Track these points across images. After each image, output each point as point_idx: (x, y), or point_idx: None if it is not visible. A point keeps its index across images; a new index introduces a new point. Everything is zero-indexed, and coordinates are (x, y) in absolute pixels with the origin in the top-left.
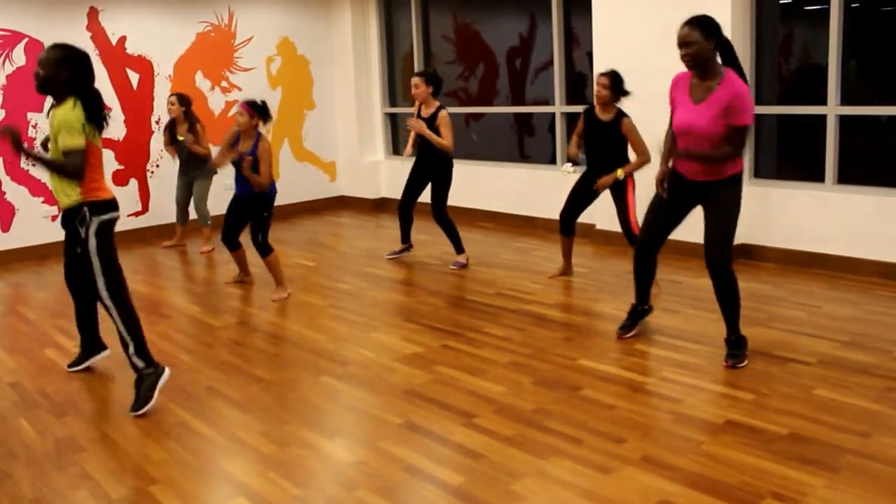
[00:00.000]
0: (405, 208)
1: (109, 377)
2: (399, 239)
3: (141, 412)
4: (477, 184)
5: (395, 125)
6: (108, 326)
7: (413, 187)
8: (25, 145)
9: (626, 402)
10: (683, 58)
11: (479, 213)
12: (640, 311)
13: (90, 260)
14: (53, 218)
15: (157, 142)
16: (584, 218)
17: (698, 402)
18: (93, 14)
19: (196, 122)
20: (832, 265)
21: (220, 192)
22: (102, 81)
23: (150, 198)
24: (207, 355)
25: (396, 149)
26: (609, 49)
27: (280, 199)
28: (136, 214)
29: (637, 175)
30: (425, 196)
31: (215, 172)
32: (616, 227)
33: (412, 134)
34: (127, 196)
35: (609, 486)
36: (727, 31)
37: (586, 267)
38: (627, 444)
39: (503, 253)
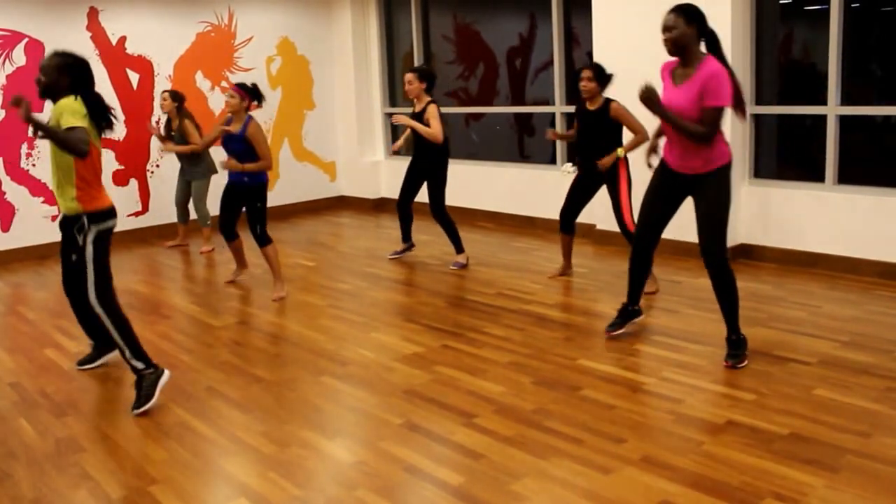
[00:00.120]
0: (403, 206)
1: (109, 377)
2: (400, 239)
3: (142, 410)
4: (477, 184)
5: (395, 125)
6: None
7: (410, 185)
8: (35, 115)
9: (626, 402)
10: (665, 42)
11: (479, 213)
12: (630, 311)
13: (84, 267)
14: (53, 218)
15: (157, 142)
16: (585, 218)
17: (698, 403)
18: (93, 14)
19: (185, 119)
20: (832, 265)
21: (220, 192)
22: (102, 81)
23: (150, 198)
24: (207, 355)
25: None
26: (609, 49)
27: (280, 199)
28: (136, 214)
29: (634, 175)
30: (424, 196)
31: (214, 172)
32: (616, 226)
33: (407, 131)
34: (127, 196)
35: (609, 487)
36: (727, 31)
37: (586, 267)
38: (627, 444)
39: (503, 253)
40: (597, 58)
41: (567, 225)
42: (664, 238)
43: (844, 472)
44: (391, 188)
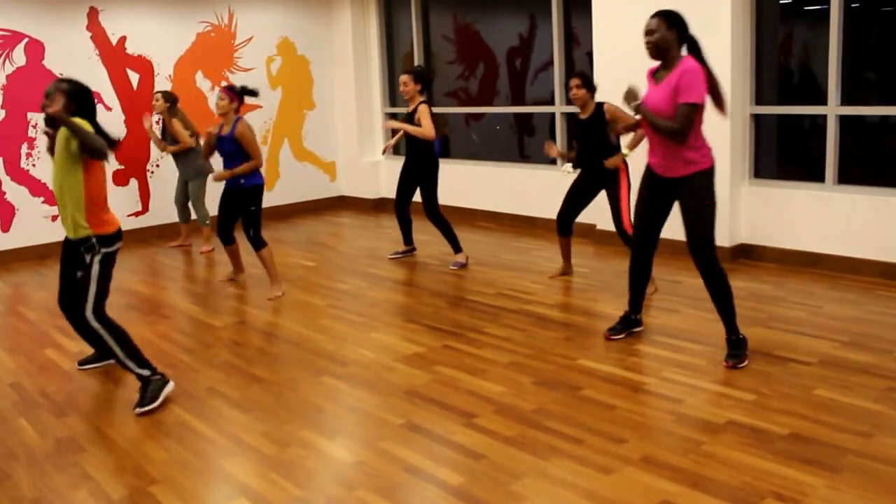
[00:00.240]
0: (400, 209)
1: (109, 377)
2: (401, 240)
3: (144, 410)
4: (477, 184)
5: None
6: None
7: (404, 188)
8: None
9: (626, 403)
10: (646, 45)
11: (479, 213)
12: (632, 320)
13: (87, 285)
14: (54, 218)
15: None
16: (585, 218)
17: (699, 403)
18: (93, 14)
19: (173, 118)
20: (832, 265)
21: (219, 191)
22: (102, 81)
23: (150, 198)
24: (207, 355)
25: (396, 149)
26: (609, 49)
27: (280, 199)
28: (136, 214)
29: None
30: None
31: (211, 170)
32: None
33: (399, 132)
34: (127, 196)
35: (610, 487)
36: (727, 31)
37: (587, 267)
38: (628, 445)
39: (503, 253)
40: (597, 58)
41: (564, 227)
42: (664, 238)
43: (845, 473)
44: (391, 188)
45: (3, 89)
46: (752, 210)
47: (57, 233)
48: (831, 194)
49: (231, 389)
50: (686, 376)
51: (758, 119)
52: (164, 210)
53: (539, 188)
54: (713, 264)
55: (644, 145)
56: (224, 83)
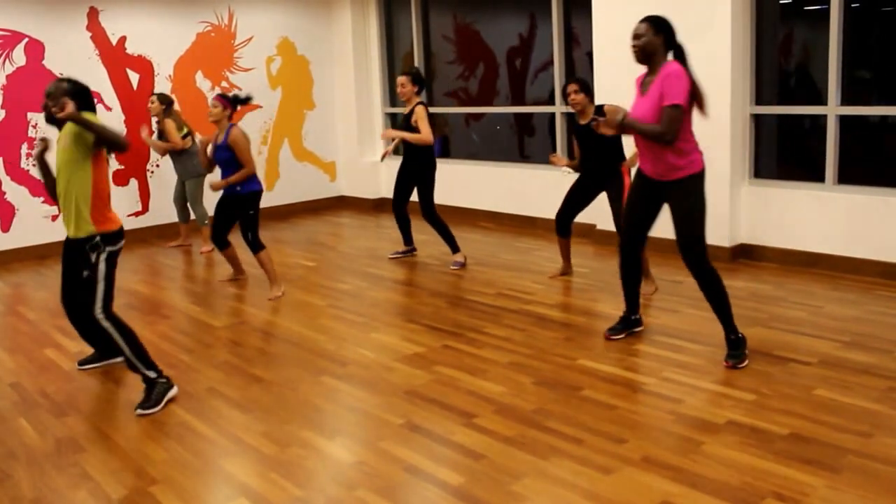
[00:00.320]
0: (398, 209)
1: (109, 377)
2: (401, 241)
3: (145, 413)
4: (477, 184)
5: (395, 125)
6: None
7: (401, 188)
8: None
9: (626, 403)
10: (633, 48)
11: (479, 213)
12: (631, 320)
13: (95, 285)
14: (54, 218)
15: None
16: (585, 218)
17: (699, 403)
18: (93, 14)
19: (167, 118)
20: (832, 265)
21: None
22: (102, 81)
23: (150, 198)
24: (207, 355)
25: (396, 149)
26: (609, 49)
27: (280, 199)
28: (136, 214)
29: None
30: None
31: (208, 171)
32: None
33: (396, 140)
34: (127, 196)
35: (610, 487)
36: (727, 31)
37: (587, 267)
38: (628, 445)
39: (503, 253)
40: (597, 58)
41: (563, 228)
42: (664, 238)
43: (845, 473)
44: (391, 188)
45: (3, 89)
46: (752, 210)
47: (57, 233)
48: (831, 194)
49: (231, 389)
50: (686, 376)
51: (758, 119)
52: (164, 210)
53: (539, 188)
54: (703, 264)
55: None
56: (218, 90)
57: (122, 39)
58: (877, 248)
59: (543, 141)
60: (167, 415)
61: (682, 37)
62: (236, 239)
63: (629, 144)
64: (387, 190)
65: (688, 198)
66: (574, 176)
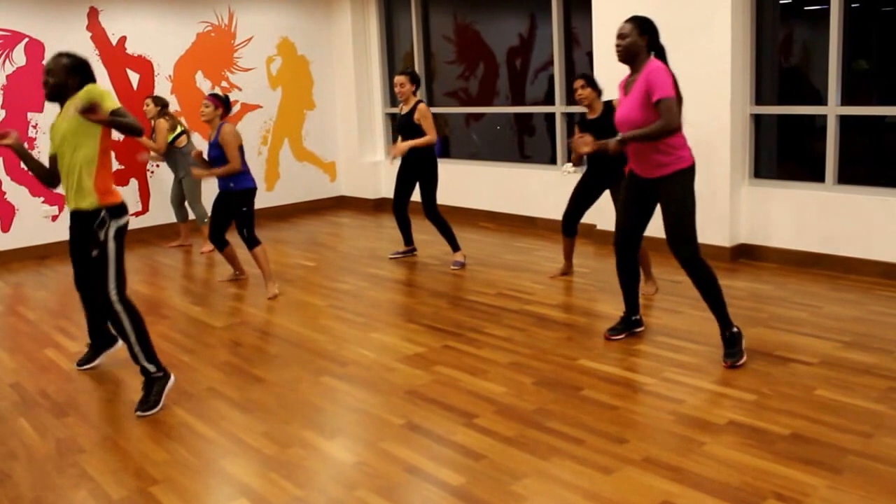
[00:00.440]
0: (398, 209)
1: (109, 377)
2: (402, 241)
3: (145, 414)
4: (477, 184)
5: (394, 124)
6: None
7: (402, 187)
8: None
9: (627, 403)
10: (617, 48)
11: (480, 213)
12: (632, 321)
13: (106, 264)
14: (54, 218)
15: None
16: (585, 218)
17: (699, 403)
18: (93, 14)
19: (160, 118)
20: (833, 265)
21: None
22: (102, 81)
23: (149, 198)
24: (207, 355)
25: None
26: (609, 49)
27: (280, 199)
28: (136, 214)
29: None
30: (418, 196)
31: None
32: None
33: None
34: (127, 196)
35: (610, 487)
36: (727, 31)
37: (587, 267)
38: (629, 445)
39: (504, 253)
40: (597, 58)
41: (569, 228)
42: (664, 238)
43: (846, 473)
44: (391, 188)
45: (3, 89)
46: (752, 210)
47: (57, 233)
48: (831, 194)
49: (231, 389)
50: (686, 376)
51: (758, 119)
52: (163, 210)
53: (539, 188)
54: (694, 259)
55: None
56: (218, 90)
57: (122, 39)
58: (877, 248)
59: (543, 141)
60: (167, 415)
61: (682, 37)
62: (236, 238)
63: None
64: (387, 190)
65: (676, 193)
66: (574, 176)
